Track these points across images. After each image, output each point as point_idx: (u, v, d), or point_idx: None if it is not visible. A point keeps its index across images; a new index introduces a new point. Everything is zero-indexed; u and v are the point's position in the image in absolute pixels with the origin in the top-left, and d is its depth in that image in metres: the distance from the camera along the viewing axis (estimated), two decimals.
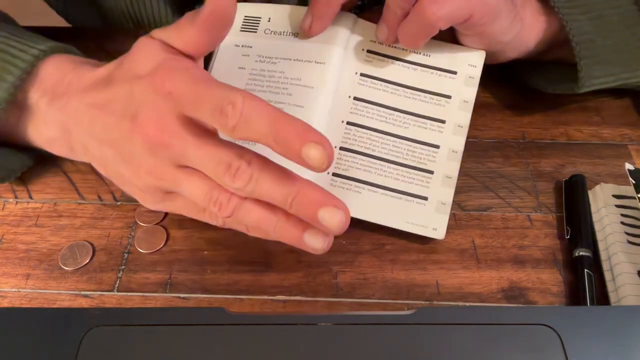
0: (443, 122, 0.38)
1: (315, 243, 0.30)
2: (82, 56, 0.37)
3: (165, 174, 0.31)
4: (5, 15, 0.41)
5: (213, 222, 0.33)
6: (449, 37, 0.39)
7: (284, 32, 0.39)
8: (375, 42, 0.39)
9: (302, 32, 0.38)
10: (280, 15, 0.39)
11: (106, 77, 0.33)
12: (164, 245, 0.37)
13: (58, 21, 0.58)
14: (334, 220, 0.29)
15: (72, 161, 0.41)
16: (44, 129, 0.35)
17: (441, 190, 0.36)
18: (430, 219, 0.36)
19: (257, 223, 0.31)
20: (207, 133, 0.30)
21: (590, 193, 0.39)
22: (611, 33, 0.39)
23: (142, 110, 0.30)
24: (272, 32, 0.39)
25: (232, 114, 0.27)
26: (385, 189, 0.36)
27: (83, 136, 0.33)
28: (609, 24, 0.39)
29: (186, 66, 0.30)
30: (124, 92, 0.31)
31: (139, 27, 0.53)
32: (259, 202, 0.30)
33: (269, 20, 0.39)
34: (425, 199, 0.36)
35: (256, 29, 0.39)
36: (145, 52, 0.31)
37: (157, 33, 0.32)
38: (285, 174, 0.29)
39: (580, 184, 0.39)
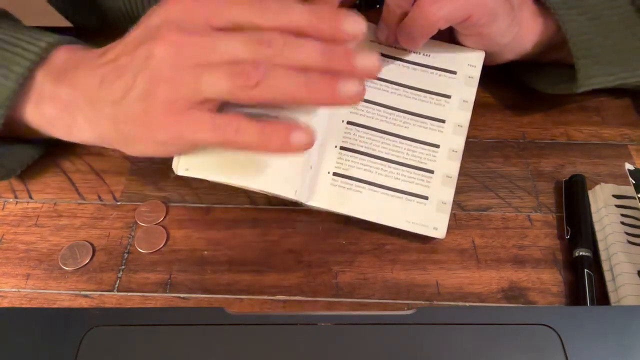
0: (443, 121, 0.38)
1: (352, 87, 0.30)
2: (89, 46, 0.37)
3: (186, 75, 0.31)
4: (8, 13, 0.41)
5: (226, 137, 0.32)
6: (448, 37, 0.39)
7: None
8: (375, 42, 0.39)
9: None
10: None
11: (118, 42, 0.33)
12: (164, 245, 0.37)
13: (59, 21, 0.58)
14: (370, 61, 0.31)
15: (72, 161, 0.41)
16: (46, 107, 0.35)
17: (441, 190, 0.36)
18: (430, 218, 0.36)
19: (288, 85, 0.30)
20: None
21: (590, 193, 0.39)
22: (611, 33, 0.39)
23: (163, 28, 0.31)
24: None
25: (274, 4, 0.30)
26: (385, 189, 0.36)
27: (90, 98, 0.33)
28: (609, 24, 0.40)
29: None
30: (138, 35, 0.32)
31: None
32: (288, 67, 0.31)
33: None
34: (426, 198, 0.36)
35: None
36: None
37: None
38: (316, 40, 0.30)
39: (580, 184, 0.39)
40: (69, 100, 0.34)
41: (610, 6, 0.40)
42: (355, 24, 0.31)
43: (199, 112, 0.31)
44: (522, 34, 0.39)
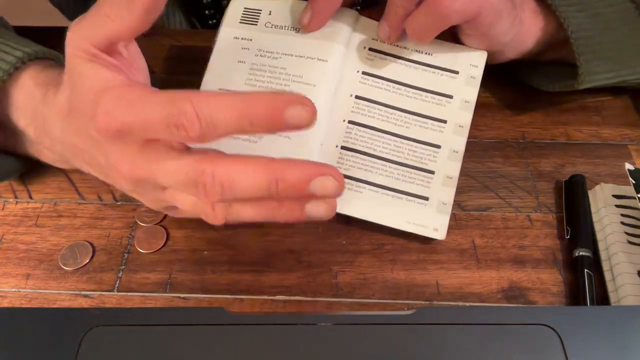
0: (444, 122, 0.38)
1: (319, 212, 0.29)
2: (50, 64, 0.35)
3: (154, 197, 0.32)
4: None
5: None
6: (450, 37, 0.39)
7: (285, 26, 0.39)
8: (377, 40, 0.39)
9: (300, 27, 0.38)
10: (281, 8, 0.39)
11: (68, 113, 0.32)
12: (164, 245, 0.37)
13: (59, 21, 0.58)
14: (327, 189, 0.28)
15: None
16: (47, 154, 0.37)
17: (442, 190, 0.36)
18: (431, 219, 0.36)
19: (255, 217, 0.30)
20: (170, 150, 0.29)
21: (590, 193, 0.39)
22: (610, 30, 0.40)
23: (110, 154, 0.30)
24: (273, 26, 0.39)
25: (191, 125, 0.26)
26: (386, 189, 0.36)
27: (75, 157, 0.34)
28: (607, 22, 0.40)
29: (118, 93, 0.28)
30: (90, 142, 0.31)
31: None
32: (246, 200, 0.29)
33: (269, 14, 0.39)
34: (426, 199, 0.36)
35: (256, 22, 0.39)
36: (83, 84, 0.30)
37: (77, 31, 0.30)
38: (257, 166, 0.27)
39: (580, 184, 0.39)
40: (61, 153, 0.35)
41: (609, 3, 0.40)
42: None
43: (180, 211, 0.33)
44: (524, 32, 0.39)
